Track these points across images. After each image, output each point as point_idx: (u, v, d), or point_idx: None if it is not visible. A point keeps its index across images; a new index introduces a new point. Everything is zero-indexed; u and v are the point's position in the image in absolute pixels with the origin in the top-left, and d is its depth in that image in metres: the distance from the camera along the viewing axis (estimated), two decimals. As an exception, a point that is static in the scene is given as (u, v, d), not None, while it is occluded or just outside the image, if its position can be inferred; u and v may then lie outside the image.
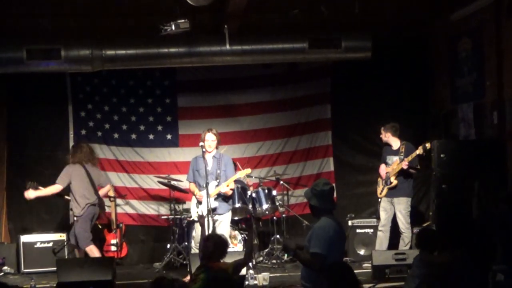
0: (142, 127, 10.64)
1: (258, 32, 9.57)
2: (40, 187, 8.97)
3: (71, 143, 10.34)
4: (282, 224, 9.78)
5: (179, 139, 10.66)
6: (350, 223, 9.85)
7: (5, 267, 9.50)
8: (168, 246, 9.68)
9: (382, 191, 9.18)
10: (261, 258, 9.64)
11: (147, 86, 10.66)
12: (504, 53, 8.39)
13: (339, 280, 4.56)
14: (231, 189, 8.51)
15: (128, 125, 10.61)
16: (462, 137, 9.34)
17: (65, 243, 9.16)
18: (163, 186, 9.94)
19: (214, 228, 8.18)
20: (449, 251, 6.67)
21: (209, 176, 8.26)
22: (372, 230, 9.69)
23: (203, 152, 8.39)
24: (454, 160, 8.42)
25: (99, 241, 9.78)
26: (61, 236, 9.60)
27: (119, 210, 10.32)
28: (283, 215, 9.80)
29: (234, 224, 9.46)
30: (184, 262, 9.29)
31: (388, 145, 9.27)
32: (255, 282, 8.17)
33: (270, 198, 9.53)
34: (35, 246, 9.65)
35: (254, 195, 9.51)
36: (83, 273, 7.58)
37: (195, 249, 8.31)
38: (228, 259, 6.77)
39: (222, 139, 8.94)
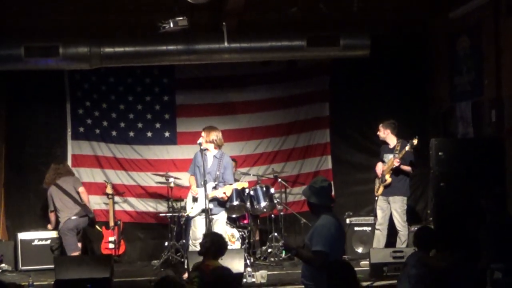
0: (140, 125, 10.63)
1: (257, 30, 9.57)
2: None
3: (69, 141, 10.43)
4: (280, 222, 9.78)
5: (177, 136, 10.66)
6: (348, 221, 9.85)
7: (3, 265, 9.50)
8: (166, 243, 9.67)
9: (378, 189, 9.19)
10: (259, 256, 9.65)
11: (145, 84, 10.66)
12: (503, 51, 8.38)
13: (340, 278, 4.56)
14: (226, 196, 8.50)
15: (126, 122, 10.60)
16: (460, 135, 9.34)
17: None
18: (161, 184, 9.94)
19: (210, 227, 8.19)
20: (447, 251, 6.67)
21: (208, 175, 8.26)
22: (370, 228, 9.70)
23: (201, 150, 8.37)
24: (452, 158, 8.42)
25: (98, 241, 9.92)
26: (58, 234, 9.60)
27: (117, 207, 10.33)
28: (281, 213, 9.80)
29: (232, 222, 9.47)
30: (182, 259, 9.28)
31: (386, 143, 9.28)
32: (253, 279, 8.18)
33: (268, 196, 9.53)
34: (33, 243, 9.66)
35: (252, 192, 9.51)
36: (81, 271, 7.60)
37: (192, 247, 8.30)
38: (227, 257, 6.79)
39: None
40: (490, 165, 8.14)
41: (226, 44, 9.06)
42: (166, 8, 8.01)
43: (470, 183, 7.92)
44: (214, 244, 6.12)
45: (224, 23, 8.79)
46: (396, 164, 8.88)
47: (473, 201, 7.29)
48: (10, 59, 9.00)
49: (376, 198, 9.23)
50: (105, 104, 10.58)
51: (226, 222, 8.91)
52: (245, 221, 9.71)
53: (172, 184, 9.70)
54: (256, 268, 8.72)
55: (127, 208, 10.54)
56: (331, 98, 10.84)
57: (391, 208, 9.10)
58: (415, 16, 9.81)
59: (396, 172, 8.99)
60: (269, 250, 9.67)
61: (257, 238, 10.04)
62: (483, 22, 8.83)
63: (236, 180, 9.11)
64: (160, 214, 10.23)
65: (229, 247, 8.82)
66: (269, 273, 8.46)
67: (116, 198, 10.31)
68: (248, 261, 8.86)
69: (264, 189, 9.56)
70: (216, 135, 8.48)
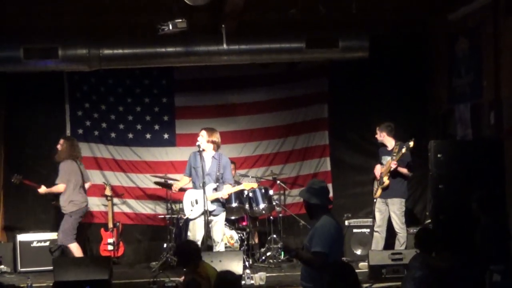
0: (139, 127, 10.64)
1: (256, 31, 9.56)
2: (25, 181, 9.19)
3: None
4: (279, 223, 9.78)
5: (176, 138, 10.66)
6: (346, 223, 9.85)
7: (2, 266, 9.50)
8: (165, 245, 9.67)
9: (376, 191, 9.19)
10: (258, 258, 9.65)
11: (144, 85, 10.66)
12: (502, 53, 8.36)
13: (341, 280, 4.56)
14: (228, 194, 8.51)
15: (125, 124, 10.61)
16: (459, 137, 9.33)
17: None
18: (160, 186, 9.94)
19: (209, 228, 8.18)
20: (447, 252, 6.67)
21: (207, 177, 8.25)
22: (368, 230, 9.69)
23: (199, 152, 8.37)
24: (451, 160, 8.40)
25: (97, 243, 9.95)
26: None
27: (116, 209, 10.32)
28: (280, 215, 9.80)
29: (231, 223, 9.46)
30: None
31: (384, 145, 9.28)
32: (252, 281, 8.18)
33: (267, 198, 9.54)
34: (32, 245, 9.67)
35: (251, 194, 9.51)
36: (80, 272, 7.61)
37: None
38: (225, 258, 6.80)
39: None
40: (489, 167, 8.13)
41: (225, 46, 9.05)
42: (165, 10, 8.00)
43: (469, 185, 7.90)
44: (184, 254, 6.15)
45: (223, 25, 8.79)
46: (393, 166, 8.89)
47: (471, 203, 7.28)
48: (10, 60, 9.01)
49: (375, 200, 9.23)
50: (104, 105, 10.59)
51: (225, 224, 8.90)
52: (244, 223, 9.72)
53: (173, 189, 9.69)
54: (255, 270, 8.72)
55: (126, 210, 10.54)
56: (330, 100, 10.84)
57: (390, 210, 9.10)
58: (415, 17, 9.80)
59: (393, 174, 8.99)
60: (268, 252, 9.66)
61: (256, 240, 10.04)
62: (482, 24, 8.81)
63: (236, 182, 9.11)
64: (159, 216, 10.23)
65: (227, 249, 8.91)
66: (268, 275, 8.47)
67: (115, 200, 10.30)
68: (246, 263, 8.88)
69: (263, 191, 9.57)
70: (217, 137, 8.50)
